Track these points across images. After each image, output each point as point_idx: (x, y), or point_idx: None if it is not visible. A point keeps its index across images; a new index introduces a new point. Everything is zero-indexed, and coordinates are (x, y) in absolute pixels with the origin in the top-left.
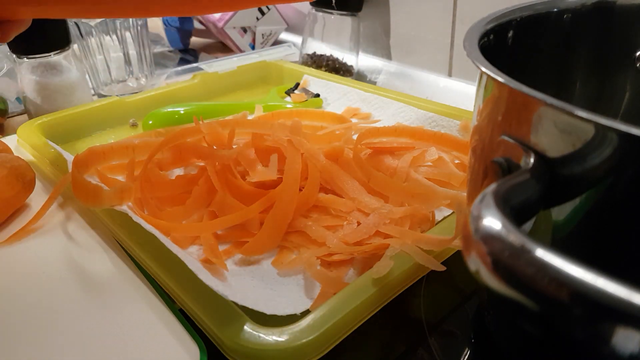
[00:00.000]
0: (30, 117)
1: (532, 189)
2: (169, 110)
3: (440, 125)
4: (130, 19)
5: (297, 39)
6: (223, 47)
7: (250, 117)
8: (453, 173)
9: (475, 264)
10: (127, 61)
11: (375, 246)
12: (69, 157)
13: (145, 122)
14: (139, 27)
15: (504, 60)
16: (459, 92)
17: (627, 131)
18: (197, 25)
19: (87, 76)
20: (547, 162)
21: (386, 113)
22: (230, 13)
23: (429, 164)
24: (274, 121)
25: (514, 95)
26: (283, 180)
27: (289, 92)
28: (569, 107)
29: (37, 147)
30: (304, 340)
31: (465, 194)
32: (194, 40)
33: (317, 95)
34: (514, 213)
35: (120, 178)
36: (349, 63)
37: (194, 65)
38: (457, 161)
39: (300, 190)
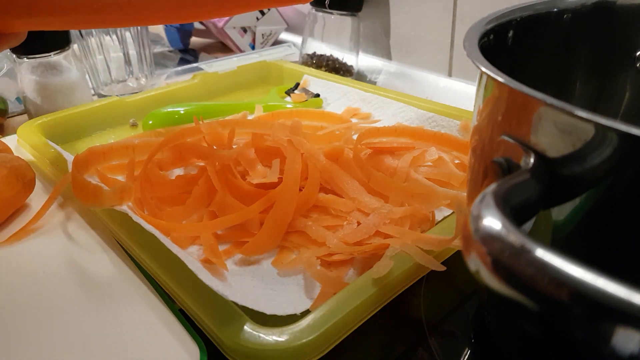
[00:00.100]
0: (30, 117)
1: (532, 189)
2: (169, 110)
3: (440, 125)
4: None
5: (297, 39)
6: (223, 47)
7: (250, 117)
8: (453, 173)
9: (475, 264)
10: (127, 61)
11: (375, 246)
12: (69, 157)
13: (145, 122)
14: (139, 27)
15: (504, 60)
16: (459, 92)
17: (627, 131)
18: (197, 25)
19: (87, 76)
20: (547, 162)
21: (386, 113)
22: None
23: (429, 164)
24: (274, 121)
25: (514, 95)
26: (283, 180)
27: (289, 92)
28: (569, 107)
29: (37, 147)
30: (304, 340)
31: (465, 194)
32: (194, 40)
33: (317, 95)
34: (514, 213)
35: (120, 178)
36: (349, 63)
37: (194, 65)
38: (457, 161)
39: (300, 190)
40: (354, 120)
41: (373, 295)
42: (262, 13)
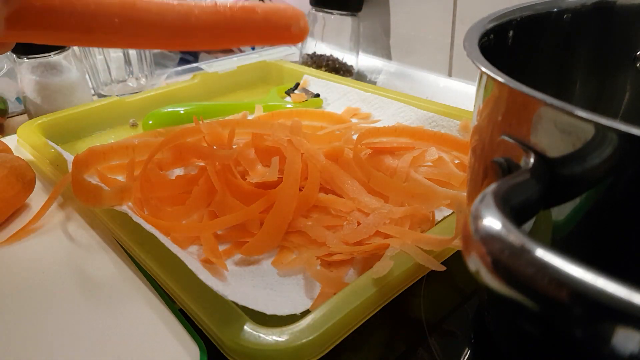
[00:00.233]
0: (30, 117)
1: (532, 189)
2: (169, 110)
3: (440, 125)
4: None
5: None
6: None
7: (250, 117)
8: (453, 173)
9: (475, 264)
10: (127, 61)
11: (375, 246)
12: (69, 157)
13: (145, 122)
14: None
15: (504, 60)
16: (459, 92)
17: (627, 131)
18: None
19: (87, 76)
20: (547, 162)
21: (386, 113)
22: None
23: (429, 164)
24: (274, 121)
25: (514, 95)
26: (283, 180)
27: (289, 92)
28: (569, 107)
29: (37, 147)
30: (304, 340)
31: (465, 194)
32: None
33: (317, 95)
34: (514, 213)
35: (120, 178)
36: (349, 63)
37: (194, 65)
38: (457, 161)
39: (300, 190)
40: (354, 120)
41: (373, 295)
42: None
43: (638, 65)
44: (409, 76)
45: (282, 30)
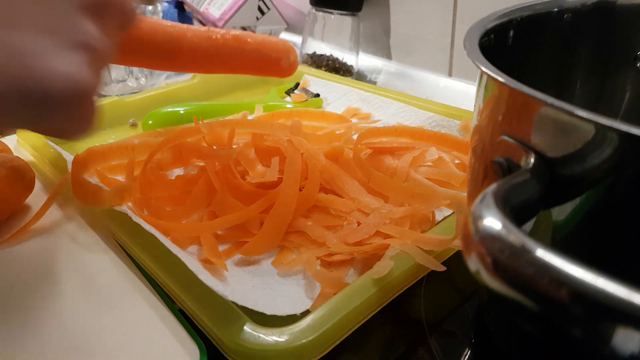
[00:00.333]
0: None
1: (532, 189)
2: (169, 110)
3: (440, 125)
4: None
5: (297, 39)
6: None
7: (250, 117)
8: (453, 173)
9: (475, 264)
10: None
11: (375, 246)
12: (69, 157)
13: (145, 122)
14: None
15: (504, 60)
16: (459, 92)
17: (627, 131)
18: (196, 24)
19: None
20: (547, 162)
21: (386, 113)
22: (230, 13)
23: (429, 164)
24: (274, 121)
25: (514, 95)
26: (283, 180)
27: (289, 92)
28: (569, 107)
29: (37, 147)
30: (304, 341)
31: (465, 194)
32: None
33: (317, 95)
34: (514, 213)
35: (120, 178)
36: (349, 63)
37: None
38: (457, 161)
39: (300, 190)
40: (354, 120)
41: (373, 295)
42: (262, 13)
43: (638, 65)
44: (409, 76)
45: (272, 62)
